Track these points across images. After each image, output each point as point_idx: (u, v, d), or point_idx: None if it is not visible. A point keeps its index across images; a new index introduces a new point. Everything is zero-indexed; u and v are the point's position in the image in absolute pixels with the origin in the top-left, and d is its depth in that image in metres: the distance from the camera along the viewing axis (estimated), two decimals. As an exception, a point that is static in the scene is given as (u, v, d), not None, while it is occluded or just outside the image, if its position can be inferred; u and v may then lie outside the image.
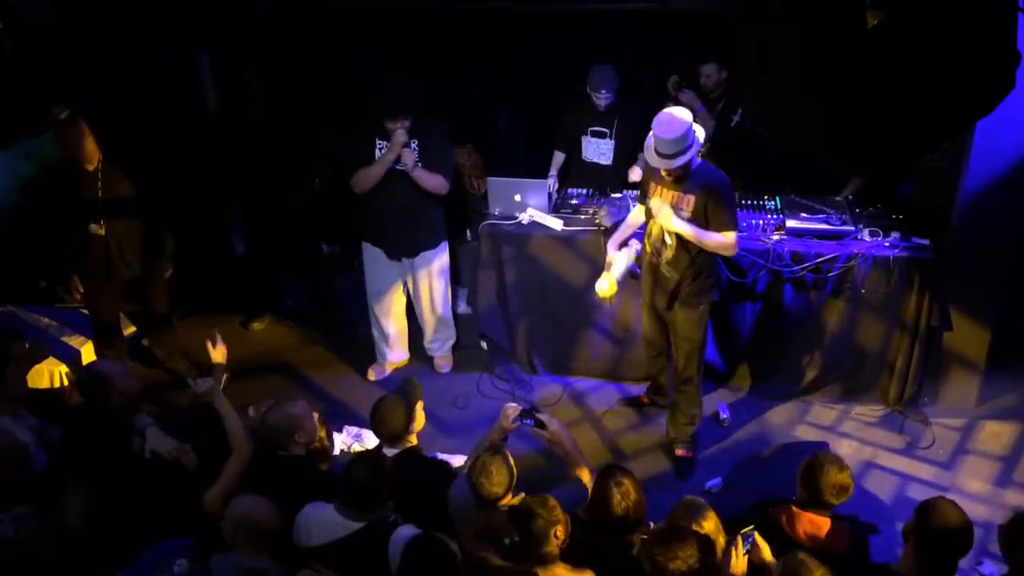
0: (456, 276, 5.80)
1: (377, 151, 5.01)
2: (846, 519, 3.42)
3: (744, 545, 3.11)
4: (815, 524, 3.36)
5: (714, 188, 4.32)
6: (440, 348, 5.74)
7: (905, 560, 3.19)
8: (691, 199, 4.33)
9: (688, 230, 4.31)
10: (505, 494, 3.36)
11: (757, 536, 3.17)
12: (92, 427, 3.95)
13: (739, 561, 3.08)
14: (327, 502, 3.42)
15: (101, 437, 3.88)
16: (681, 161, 4.21)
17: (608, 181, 5.75)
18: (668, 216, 4.33)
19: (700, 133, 4.29)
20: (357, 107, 5.33)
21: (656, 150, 4.24)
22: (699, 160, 4.38)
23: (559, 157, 5.95)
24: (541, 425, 3.78)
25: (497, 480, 3.32)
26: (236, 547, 3.17)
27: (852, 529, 3.40)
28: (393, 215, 5.12)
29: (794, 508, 3.42)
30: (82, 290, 5.34)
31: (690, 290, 4.52)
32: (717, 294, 4.79)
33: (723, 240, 4.35)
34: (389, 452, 3.79)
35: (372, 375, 5.70)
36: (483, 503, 3.36)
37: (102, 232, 5.12)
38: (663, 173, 4.34)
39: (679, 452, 4.92)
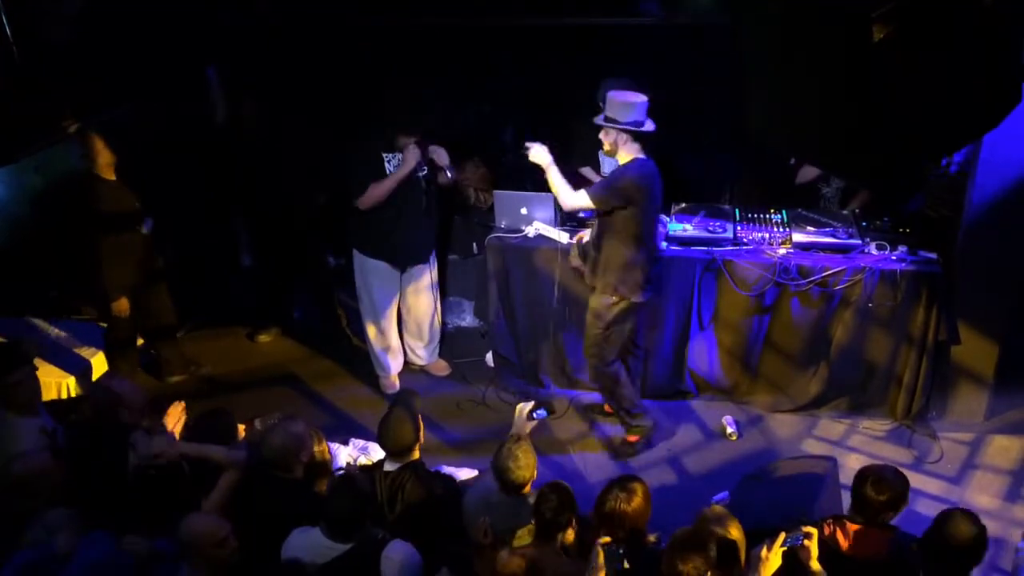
0: (444, 288, 5.83)
1: (387, 165, 5.07)
2: (888, 529, 3.41)
3: (787, 541, 3.09)
4: (861, 536, 3.35)
5: (616, 171, 4.52)
6: (431, 355, 5.79)
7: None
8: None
9: (552, 172, 4.60)
10: (530, 481, 3.46)
11: (811, 543, 3.13)
12: (95, 441, 3.94)
13: (771, 555, 3.05)
14: (312, 525, 3.34)
15: (102, 451, 3.85)
16: (609, 125, 4.41)
17: None
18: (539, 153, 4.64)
19: (648, 126, 4.41)
20: (363, 121, 5.34)
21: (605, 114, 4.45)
22: (644, 156, 4.47)
23: (588, 171, 5.70)
24: (552, 410, 3.82)
25: (524, 463, 3.45)
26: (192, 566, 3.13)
27: (892, 539, 3.39)
28: (405, 224, 5.20)
29: (847, 522, 3.40)
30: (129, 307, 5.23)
31: (604, 281, 4.64)
32: (646, 295, 4.70)
33: (567, 190, 4.57)
34: (391, 467, 3.76)
35: (389, 388, 5.63)
36: (510, 490, 3.45)
37: (144, 232, 5.18)
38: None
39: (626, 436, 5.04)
